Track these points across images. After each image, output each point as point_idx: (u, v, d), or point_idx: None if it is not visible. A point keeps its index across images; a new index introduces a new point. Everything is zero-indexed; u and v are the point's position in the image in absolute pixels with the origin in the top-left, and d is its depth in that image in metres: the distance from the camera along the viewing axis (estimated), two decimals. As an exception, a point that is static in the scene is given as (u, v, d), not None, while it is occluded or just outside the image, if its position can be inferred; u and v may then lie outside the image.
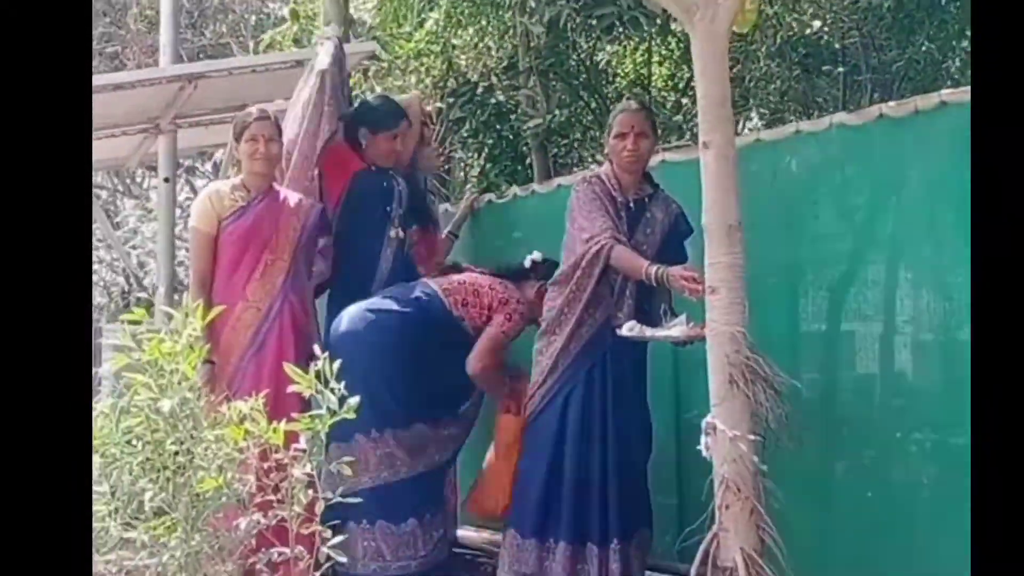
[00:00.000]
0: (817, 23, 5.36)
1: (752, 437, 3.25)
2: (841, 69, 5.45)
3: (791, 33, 5.38)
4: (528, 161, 7.02)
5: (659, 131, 4.98)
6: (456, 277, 4.58)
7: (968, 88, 3.88)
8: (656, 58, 7.47)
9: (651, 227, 4.19)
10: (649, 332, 3.96)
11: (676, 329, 3.86)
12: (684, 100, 6.58)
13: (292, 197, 4.57)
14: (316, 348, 3.09)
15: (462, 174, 7.61)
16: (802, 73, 5.52)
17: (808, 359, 4.36)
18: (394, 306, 4.42)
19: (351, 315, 4.41)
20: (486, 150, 7.09)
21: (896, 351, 4.12)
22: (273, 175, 4.56)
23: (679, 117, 6.40)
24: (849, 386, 4.29)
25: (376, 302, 4.45)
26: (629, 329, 3.97)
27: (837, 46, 5.39)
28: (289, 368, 3.06)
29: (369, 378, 4.16)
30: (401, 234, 4.85)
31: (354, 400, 3.06)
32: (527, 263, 4.64)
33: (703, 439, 3.32)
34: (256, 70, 5.60)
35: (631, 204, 4.19)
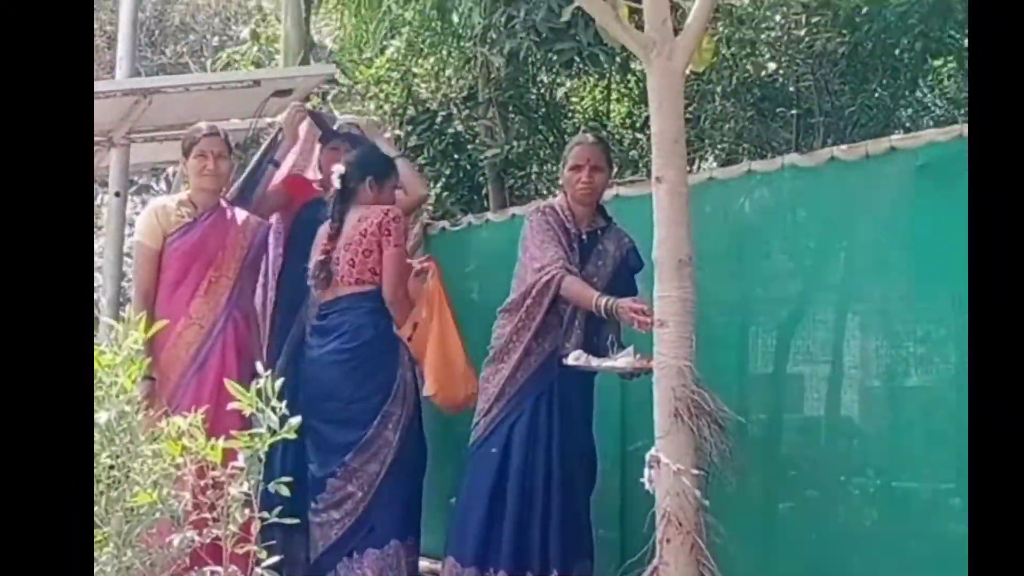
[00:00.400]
0: (772, 65, 5.44)
1: (695, 471, 3.25)
2: (795, 112, 5.53)
3: (747, 74, 5.45)
4: (484, 191, 7.03)
5: (615, 166, 5.02)
6: (344, 264, 4.39)
7: (916, 135, 4.00)
8: (615, 95, 7.53)
9: (603, 259, 4.21)
10: (595, 362, 3.98)
11: (622, 360, 3.87)
12: (640, 136, 6.63)
13: (240, 214, 4.55)
14: (259, 366, 3.06)
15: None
16: (756, 114, 5.60)
17: (755, 398, 4.38)
18: (348, 342, 4.37)
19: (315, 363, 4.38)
20: (443, 179, 7.09)
21: (843, 394, 4.16)
22: (221, 191, 4.53)
23: (635, 152, 6.46)
24: (795, 426, 4.32)
25: (328, 350, 4.38)
26: (575, 359, 3.99)
27: (792, 89, 5.47)
28: (230, 385, 3.02)
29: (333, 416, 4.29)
30: None
31: (295, 420, 3.03)
32: (336, 182, 4.50)
33: (647, 472, 3.32)
34: (213, 87, 5.57)
35: (584, 236, 4.22)
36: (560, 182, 4.41)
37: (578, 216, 4.23)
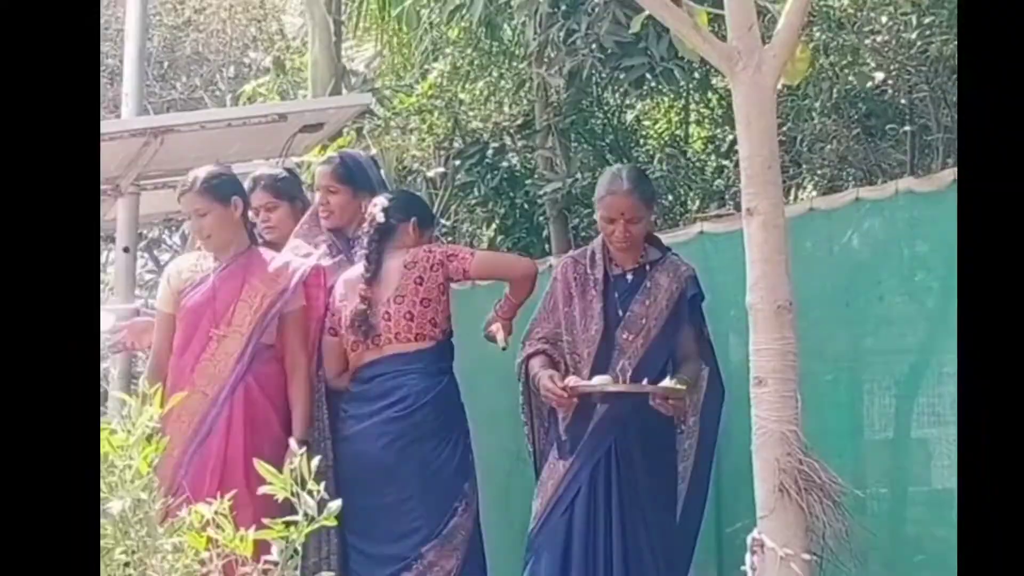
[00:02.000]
0: (880, 75, 5.38)
1: (807, 556, 3.20)
2: (908, 128, 5.47)
3: (849, 87, 5.41)
4: (545, 233, 7.07)
5: (696, 199, 5.00)
6: (400, 319, 4.35)
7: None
8: (694, 116, 7.55)
9: (653, 296, 4.22)
10: (584, 383, 4.07)
11: (599, 378, 4.05)
12: (726, 163, 6.63)
13: (278, 260, 4.49)
14: (292, 443, 3.06)
15: (469, 248, 7.64)
16: (863, 133, 5.55)
17: (873, 468, 4.32)
18: (408, 410, 4.35)
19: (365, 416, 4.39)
20: (497, 220, 7.16)
21: (979, 460, 4.08)
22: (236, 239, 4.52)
23: (720, 182, 6.46)
24: (922, 500, 4.24)
25: (380, 419, 4.36)
26: (574, 383, 4.08)
27: (903, 102, 5.42)
28: (261, 466, 3.03)
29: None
30: None
31: (335, 504, 3.03)
32: (380, 216, 4.45)
33: (748, 558, 3.27)
34: (232, 124, 5.66)
35: (628, 275, 4.27)
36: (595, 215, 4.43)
37: (620, 259, 4.28)
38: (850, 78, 5.49)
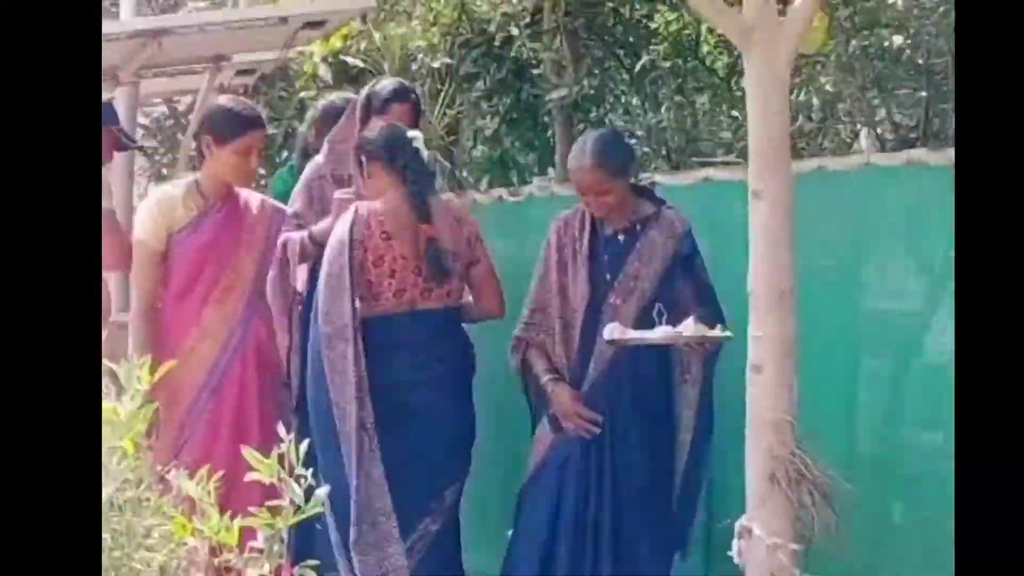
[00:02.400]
0: (897, 39, 5.10)
1: (794, 546, 3.19)
2: (924, 94, 5.18)
3: (866, 44, 5.13)
4: (550, 133, 6.92)
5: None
6: None
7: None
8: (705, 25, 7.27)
9: (648, 255, 4.13)
10: (631, 334, 3.94)
11: (660, 331, 3.89)
12: (735, 113, 6.33)
13: (254, 200, 4.43)
14: (281, 428, 2.99)
15: (472, 141, 7.48)
16: (878, 93, 5.29)
17: (865, 457, 4.29)
18: (460, 364, 4.27)
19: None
20: (502, 112, 6.98)
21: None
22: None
23: (727, 134, 6.24)
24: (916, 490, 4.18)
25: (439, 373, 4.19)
26: (610, 332, 3.95)
27: (920, 62, 5.15)
28: (248, 454, 2.97)
29: None
30: None
31: (323, 491, 2.98)
32: (424, 151, 4.16)
33: (735, 543, 3.25)
34: (231, 27, 5.48)
35: (619, 236, 4.16)
36: None
37: (609, 219, 4.16)
38: (868, 37, 5.20)
